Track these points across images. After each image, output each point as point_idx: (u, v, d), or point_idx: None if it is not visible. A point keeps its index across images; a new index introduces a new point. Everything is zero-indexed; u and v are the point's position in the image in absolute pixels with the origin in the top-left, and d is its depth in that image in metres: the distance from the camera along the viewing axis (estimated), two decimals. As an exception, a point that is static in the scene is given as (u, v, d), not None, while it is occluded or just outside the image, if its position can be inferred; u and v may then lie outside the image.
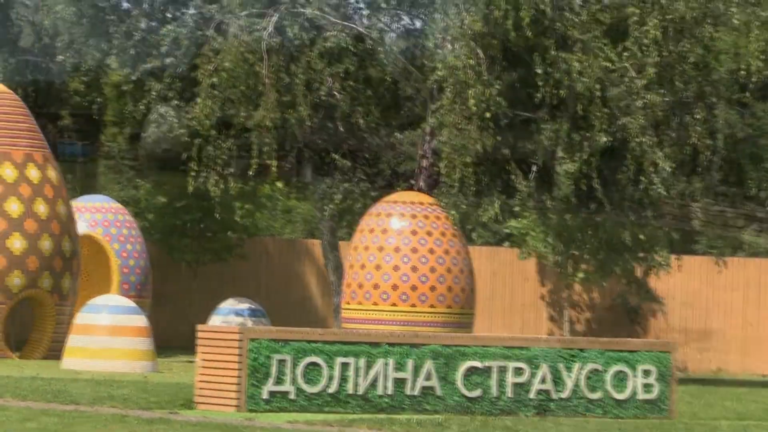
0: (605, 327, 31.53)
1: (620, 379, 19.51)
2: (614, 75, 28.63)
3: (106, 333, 23.89)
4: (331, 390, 17.85)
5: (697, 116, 29.52)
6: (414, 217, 24.86)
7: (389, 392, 18.14)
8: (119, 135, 35.72)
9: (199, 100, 30.80)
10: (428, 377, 18.43)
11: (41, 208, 26.76)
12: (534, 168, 30.21)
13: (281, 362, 17.61)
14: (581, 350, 20.08)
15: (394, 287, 24.10)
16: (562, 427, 17.76)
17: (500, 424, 17.67)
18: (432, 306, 24.01)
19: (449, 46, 29.83)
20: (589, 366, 19.40)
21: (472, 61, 28.89)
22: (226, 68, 30.36)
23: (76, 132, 44.28)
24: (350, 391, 17.95)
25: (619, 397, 19.41)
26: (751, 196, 32.37)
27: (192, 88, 32.02)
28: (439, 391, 18.45)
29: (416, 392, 18.32)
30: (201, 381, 17.91)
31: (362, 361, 18.09)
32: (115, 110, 36.52)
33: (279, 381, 17.55)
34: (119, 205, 30.61)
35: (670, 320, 31.93)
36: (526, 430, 17.26)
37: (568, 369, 19.26)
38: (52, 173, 27.36)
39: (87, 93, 36.83)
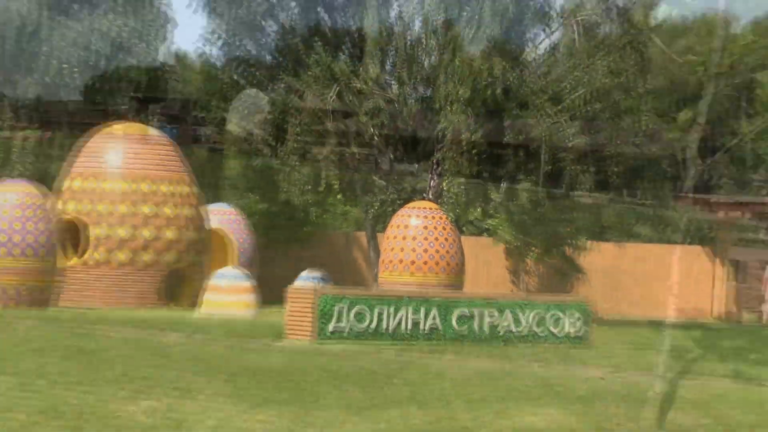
0: (547, 287, 31.57)
1: (557, 320, 19.70)
2: (554, 126, 28.70)
3: (228, 291, 24.07)
4: (371, 328, 18.12)
5: (608, 152, 29.63)
6: (426, 217, 24.94)
7: (409, 329, 18.39)
8: (239, 165, 35.20)
9: (288, 143, 31.04)
10: (434, 320, 18.64)
11: (185, 212, 26.95)
12: (503, 185, 30.33)
13: (340, 310, 17.87)
14: (532, 301, 20.36)
15: (412, 262, 24.17)
16: (519, 351, 17.98)
17: (481, 350, 17.92)
18: (437, 274, 24.07)
19: (449, 106, 29.86)
20: (536, 311, 19.62)
21: (463, 117, 28.99)
22: (305, 122, 30.58)
23: (167, 116, 40.64)
24: (384, 329, 18.22)
25: (557, 331, 19.62)
26: (643, 203, 32.39)
27: (281, 134, 32.17)
28: (441, 329, 18.67)
29: (426, 329, 18.55)
30: (289, 321, 18.19)
31: (392, 309, 18.32)
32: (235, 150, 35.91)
33: (338, 321, 17.80)
34: (237, 210, 30.70)
35: (590, 283, 31.89)
36: (498, 353, 17.48)
37: (524, 313, 19.47)
38: (194, 189, 27.53)
39: (219, 140, 36.17)
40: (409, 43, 31.31)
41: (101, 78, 37.05)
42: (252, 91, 33.10)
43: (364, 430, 9.61)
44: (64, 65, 36.19)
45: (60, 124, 36.57)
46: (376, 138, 31.46)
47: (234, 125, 33.46)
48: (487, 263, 31.62)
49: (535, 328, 19.40)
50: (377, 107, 31.39)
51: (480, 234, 33.47)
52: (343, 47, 33.05)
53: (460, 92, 29.51)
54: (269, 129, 32.19)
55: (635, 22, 30.03)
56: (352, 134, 31.30)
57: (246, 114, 32.99)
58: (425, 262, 24.18)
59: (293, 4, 33.49)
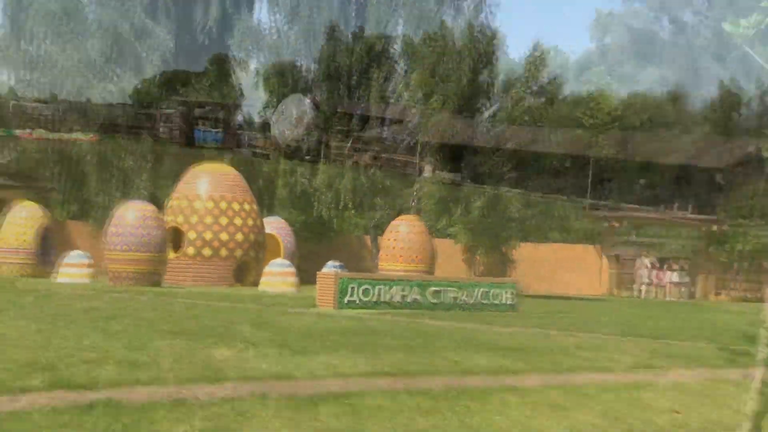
0: (490, 273, 31.59)
1: (498, 295, 19.75)
2: (495, 165, 28.89)
3: (278, 275, 24.01)
4: (374, 300, 18.16)
5: (530, 183, 29.81)
6: (410, 226, 25.00)
7: (399, 301, 18.44)
8: (287, 192, 35.01)
9: (318, 176, 31.16)
10: (415, 294, 18.71)
11: (249, 221, 26.96)
12: (461, 205, 30.38)
13: (352, 288, 17.93)
14: (480, 282, 20.42)
15: (401, 255, 24.23)
16: (472, 315, 17.99)
17: (447, 314, 17.94)
18: (417, 264, 24.07)
19: (425, 152, 30.05)
20: (483, 289, 19.66)
21: (434, 159, 29.17)
22: (331, 163, 30.79)
23: (211, 120, 34.08)
24: (382, 301, 18.26)
25: (497, 302, 19.65)
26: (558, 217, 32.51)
27: (315, 171, 32.22)
28: (420, 300, 18.72)
29: (410, 300, 18.62)
30: (319, 295, 18.24)
31: (387, 287, 18.39)
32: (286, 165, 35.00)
33: (351, 295, 17.86)
34: (284, 221, 30.67)
35: (518, 270, 31.84)
36: (458, 316, 17.48)
37: (474, 290, 19.51)
38: (255, 207, 27.50)
39: (263, 145, 34.72)
40: (399, 110, 31.49)
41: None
42: (297, 96, 32.48)
43: (367, 368, 9.63)
44: (173, 125, 35.95)
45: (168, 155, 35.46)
46: (377, 173, 31.62)
47: (279, 128, 32.60)
48: (450, 257, 31.70)
49: (482, 300, 19.48)
50: (379, 153, 31.62)
51: (445, 237, 33.52)
52: (355, 116, 33.30)
53: (433, 142, 29.69)
54: (307, 167, 32.38)
55: (548, 95, 30.17)
56: (361, 171, 31.47)
57: (291, 117, 32.60)
58: (409, 256, 24.24)
59: (324, 87, 33.74)
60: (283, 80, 34.24)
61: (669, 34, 55.72)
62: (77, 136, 33.22)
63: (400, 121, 31.19)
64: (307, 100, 32.36)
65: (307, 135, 32.06)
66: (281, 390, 8.04)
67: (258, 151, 35.23)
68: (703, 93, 45.47)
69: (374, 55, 32.48)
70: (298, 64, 35.94)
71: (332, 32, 34.35)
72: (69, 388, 7.50)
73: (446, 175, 30.43)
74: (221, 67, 38.30)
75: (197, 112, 34.19)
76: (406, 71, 32.79)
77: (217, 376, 8.46)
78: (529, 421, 7.56)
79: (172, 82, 36.44)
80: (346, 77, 33.57)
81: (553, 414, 7.88)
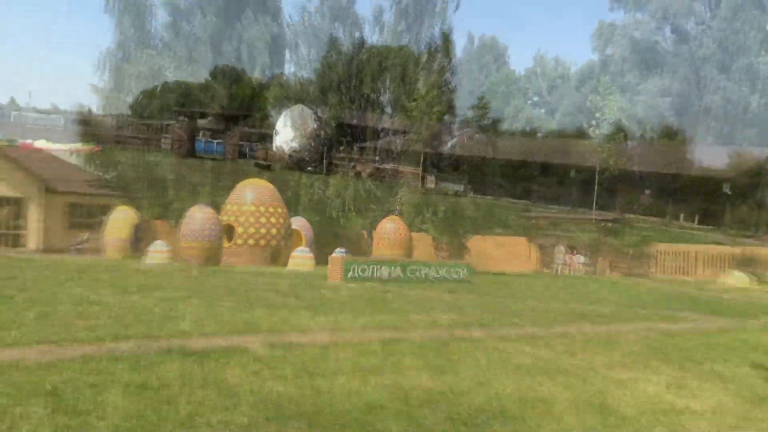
0: (452, 257, 31.40)
1: (456, 272, 19.71)
2: (459, 182, 28.81)
3: (301, 258, 23.76)
4: (370, 275, 18.06)
5: (479, 195, 29.84)
6: (395, 224, 24.89)
7: (386, 277, 18.27)
8: (308, 200, 34.22)
9: (330, 187, 30.93)
10: (398, 272, 18.56)
11: (281, 220, 26.75)
12: (432, 209, 30.31)
13: (354, 267, 17.83)
14: (445, 264, 20.37)
15: (388, 244, 24.14)
16: (440, 286, 17.94)
17: (421, 286, 17.89)
18: (399, 250, 23.97)
19: (407, 174, 29.95)
20: (446, 268, 19.63)
21: (413, 178, 29.09)
22: (336, 180, 30.57)
23: (212, 131, 27.62)
24: (375, 276, 18.13)
25: (456, 277, 19.60)
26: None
27: (327, 185, 31.96)
28: (402, 276, 18.59)
29: (395, 276, 18.49)
30: (330, 272, 18.10)
31: (378, 266, 18.30)
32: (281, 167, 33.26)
33: (353, 272, 17.72)
34: (305, 220, 30.24)
35: (471, 255, 31.55)
36: (429, 287, 17.41)
37: (441, 269, 19.48)
38: (284, 210, 27.14)
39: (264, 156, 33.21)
40: (386, 141, 31.35)
41: None
42: (299, 106, 30.83)
43: (362, 322, 9.65)
44: (175, 136, 32.47)
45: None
46: (371, 187, 31.50)
47: (281, 139, 30.56)
48: (425, 246, 31.33)
49: (446, 275, 19.41)
50: (375, 173, 31.47)
51: (420, 231, 33.36)
52: (356, 144, 33.11)
53: (412, 166, 29.60)
54: (322, 180, 32.12)
55: (491, 133, 30.10)
56: (358, 186, 31.31)
57: (294, 127, 31.26)
58: (394, 245, 24.16)
59: (334, 125, 33.40)
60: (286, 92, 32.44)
61: (671, 44, 43.58)
62: (78, 146, 28.26)
63: (387, 149, 30.98)
64: (310, 111, 30.74)
65: (309, 146, 30.97)
66: (298, 339, 8.05)
67: (260, 162, 31.05)
68: (706, 102, 38.67)
69: (369, 102, 32.24)
70: (316, 109, 35.46)
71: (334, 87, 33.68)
72: (153, 339, 7.50)
73: (450, 186, 29.98)
74: (261, 109, 37.89)
75: (199, 123, 27.77)
76: (392, 113, 32.62)
77: (255, 329, 8.46)
78: (478, 359, 7.61)
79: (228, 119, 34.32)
80: (348, 94, 32.80)
81: (496, 356, 7.92)
